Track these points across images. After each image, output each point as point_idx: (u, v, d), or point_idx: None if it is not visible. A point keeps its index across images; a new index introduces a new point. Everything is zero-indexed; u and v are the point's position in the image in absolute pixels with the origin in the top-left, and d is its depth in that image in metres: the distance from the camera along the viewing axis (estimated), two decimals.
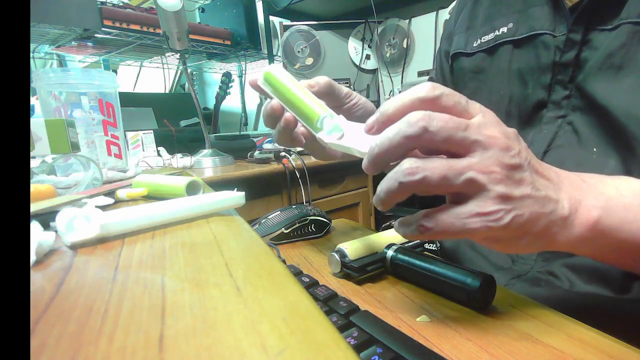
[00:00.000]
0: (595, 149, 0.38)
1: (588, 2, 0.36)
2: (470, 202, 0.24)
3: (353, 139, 0.29)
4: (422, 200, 1.56)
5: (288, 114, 0.35)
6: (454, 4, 0.59)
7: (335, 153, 0.42)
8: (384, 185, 0.24)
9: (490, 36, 0.46)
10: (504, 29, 0.45)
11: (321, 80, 0.37)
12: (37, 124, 0.48)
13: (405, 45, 1.59)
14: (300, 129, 0.39)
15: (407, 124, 0.23)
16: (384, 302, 0.32)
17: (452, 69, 0.54)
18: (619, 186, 0.27)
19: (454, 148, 0.23)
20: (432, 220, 0.24)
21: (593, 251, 0.28)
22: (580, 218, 0.25)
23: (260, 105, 1.82)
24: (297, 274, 0.38)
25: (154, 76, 1.81)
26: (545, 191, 0.25)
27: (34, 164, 0.50)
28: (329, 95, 0.38)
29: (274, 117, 0.36)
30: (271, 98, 0.36)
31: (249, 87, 0.38)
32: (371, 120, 0.26)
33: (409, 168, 0.23)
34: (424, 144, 0.23)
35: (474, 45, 0.48)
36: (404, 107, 0.24)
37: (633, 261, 0.28)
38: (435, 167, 0.23)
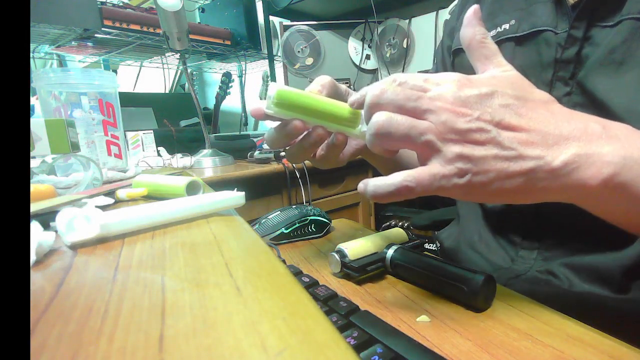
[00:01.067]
0: None
1: None
2: (431, 162, 0.26)
3: None
4: (422, 199, 1.56)
5: (320, 130, 0.33)
6: (454, 3, 0.58)
7: (343, 159, 0.41)
8: (367, 135, 0.28)
9: (492, 33, 0.46)
10: (506, 26, 0.45)
11: (324, 81, 0.36)
12: (37, 124, 0.48)
13: (405, 45, 1.59)
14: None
15: (367, 106, 0.27)
16: (384, 302, 0.32)
17: (453, 64, 0.54)
18: None
19: (413, 116, 0.26)
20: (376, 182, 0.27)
21: (600, 207, 0.27)
22: (587, 173, 0.24)
23: None
24: (297, 274, 0.38)
25: (154, 76, 1.81)
26: (522, 149, 0.24)
27: (34, 164, 0.50)
28: (334, 95, 0.37)
29: (295, 137, 0.33)
30: (281, 120, 0.32)
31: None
32: (352, 99, 0.31)
33: (376, 123, 0.26)
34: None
35: None
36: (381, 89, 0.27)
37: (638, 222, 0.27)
38: (400, 124, 0.26)
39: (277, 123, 0.34)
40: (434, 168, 0.25)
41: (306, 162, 1.21)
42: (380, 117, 0.26)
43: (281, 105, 0.31)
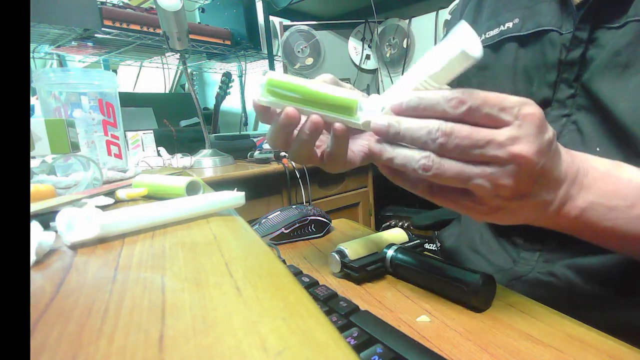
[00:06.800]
0: (598, 149, 0.37)
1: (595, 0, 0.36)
2: (473, 198, 0.27)
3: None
4: (422, 200, 1.56)
5: (315, 116, 0.30)
6: (454, 2, 0.58)
7: (355, 159, 0.37)
8: (398, 160, 0.27)
9: (495, 31, 0.45)
10: (510, 24, 0.44)
11: (327, 78, 0.34)
12: (37, 124, 0.48)
13: (405, 45, 1.59)
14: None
15: (428, 133, 0.25)
16: (384, 302, 0.32)
17: None
18: (619, 183, 0.29)
19: (473, 160, 0.25)
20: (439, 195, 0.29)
21: (576, 234, 0.31)
22: (563, 212, 0.29)
23: None
24: (297, 274, 0.38)
25: (154, 76, 1.81)
26: (545, 196, 0.27)
27: (34, 164, 0.50)
28: None
29: (291, 127, 0.31)
30: (277, 109, 0.31)
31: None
32: (398, 103, 0.27)
33: (425, 164, 0.25)
34: (442, 154, 0.25)
35: None
36: (431, 111, 0.25)
37: (611, 245, 0.32)
38: (448, 169, 0.25)
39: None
40: (473, 204, 0.27)
41: None
42: (427, 163, 0.25)
43: (273, 92, 0.30)
